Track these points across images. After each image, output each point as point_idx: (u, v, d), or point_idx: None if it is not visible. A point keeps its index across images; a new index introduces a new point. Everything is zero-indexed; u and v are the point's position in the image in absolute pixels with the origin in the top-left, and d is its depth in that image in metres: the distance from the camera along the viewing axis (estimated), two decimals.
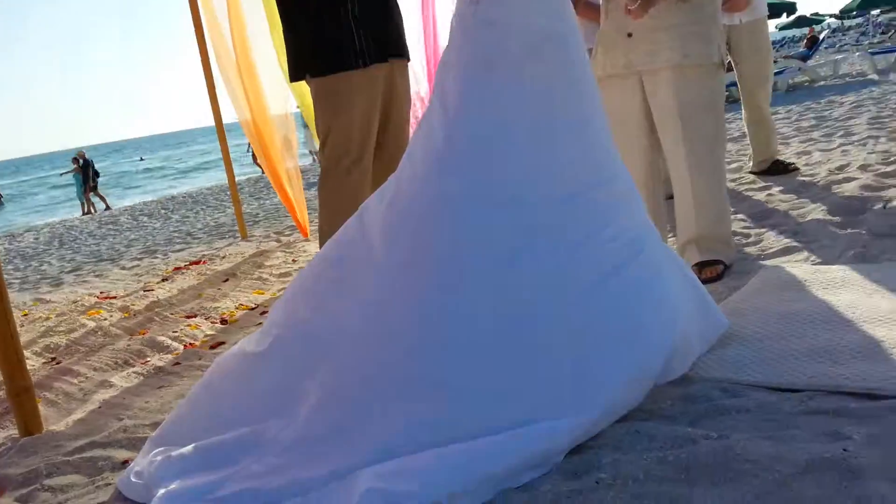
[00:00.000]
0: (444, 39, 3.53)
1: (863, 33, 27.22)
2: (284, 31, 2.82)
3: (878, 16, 30.69)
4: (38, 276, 6.08)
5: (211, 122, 5.50)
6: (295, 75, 2.80)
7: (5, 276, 6.12)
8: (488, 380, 1.49)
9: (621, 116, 2.54)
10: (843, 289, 2.09)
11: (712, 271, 2.47)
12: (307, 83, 2.80)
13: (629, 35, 2.48)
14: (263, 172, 12.38)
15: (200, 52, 5.16)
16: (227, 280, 4.14)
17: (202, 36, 5.07)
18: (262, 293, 3.66)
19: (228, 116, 5.61)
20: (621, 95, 2.57)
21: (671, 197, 3.03)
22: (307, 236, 5.05)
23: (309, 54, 2.72)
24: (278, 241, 5.32)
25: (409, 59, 2.93)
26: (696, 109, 2.43)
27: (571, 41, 1.80)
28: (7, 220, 19.60)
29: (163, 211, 10.39)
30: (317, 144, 3.12)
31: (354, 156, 2.73)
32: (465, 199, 1.67)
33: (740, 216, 3.28)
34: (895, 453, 1.22)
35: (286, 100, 4.78)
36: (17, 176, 59.13)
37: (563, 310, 1.58)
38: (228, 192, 6.74)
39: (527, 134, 1.71)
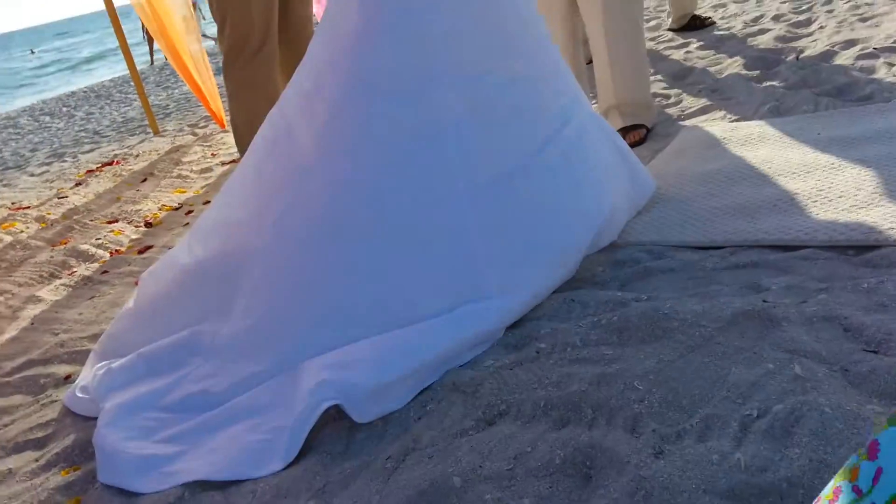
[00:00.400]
0: None
1: None
2: None
3: None
4: None
5: (102, 6, 5.10)
6: None
7: None
8: (419, 267, 1.50)
9: None
10: (759, 144, 2.17)
11: (635, 135, 2.50)
12: None
13: None
14: (167, 60, 11.75)
15: None
16: (145, 180, 3.98)
17: None
18: (184, 191, 3.55)
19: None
20: None
21: (591, 61, 3.01)
22: (224, 127, 4.86)
23: None
24: (194, 134, 5.10)
25: None
26: None
27: None
28: None
29: (65, 109, 9.73)
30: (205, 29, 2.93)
31: (257, 41, 2.57)
32: (386, 78, 1.62)
33: (659, 77, 3.31)
34: (809, 299, 1.32)
35: None
36: None
37: (490, 192, 1.57)
38: (132, 84, 6.34)
39: (446, 4, 1.65)
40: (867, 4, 3.55)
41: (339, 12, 1.73)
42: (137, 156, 4.81)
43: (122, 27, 5.21)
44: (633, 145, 2.46)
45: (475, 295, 1.48)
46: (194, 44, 4.68)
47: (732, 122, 2.47)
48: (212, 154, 4.25)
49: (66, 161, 5.46)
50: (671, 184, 2.04)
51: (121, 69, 14.88)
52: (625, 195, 1.85)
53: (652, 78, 3.23)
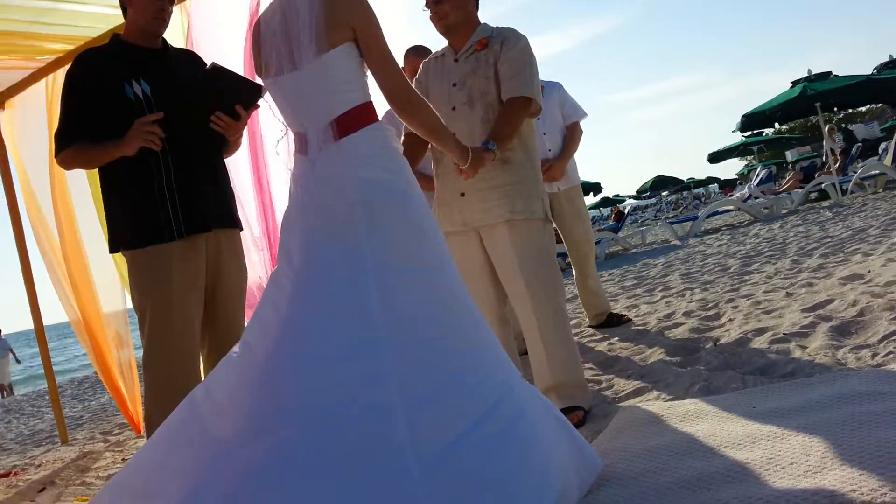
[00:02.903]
0: (279, 205, 3.50)
1: (658, 209, 30.97)
2: (104, 205, 2.62)
3: (668, 195, 35.23)
4: None
5: (20, 326, 5.12)
6: (112, 247, 2.60)
7: None
8: None
9: (465, 271, 2.59)
10: (698, 420, 2.16)
11: (574, 417, 2.47)
12: (123, 256, 2.58)
13: (462, 195, 2.60)
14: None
15: (18, 248, 4.86)
16: (43, 489, 3.59)
17: (21, 236, 4.82)
18: (86, 500, 3.20)
19: (48, 318, 5.25)
20: (462, 251, 2.66)
21: (524, 353, 3.08)
22: (140, 432, 4.58)
23: (121, 226, 2.53)
24: (106, 440, 4.77)
25: (239, 228, 2.74)
26: (533, 260, 2.55)
27: (413, 195, 1.85)
28: None
29: None
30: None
31: (178, 334, 2.48)
32: (317, 352, 1.63)
33: (588, 365, 3.38)
34: None
35: (120, 296, 4.51)
36: None
37: (431, 467, 1.49)
38: (47, 398, 6.06)
39: (377, 282, 1.70)
40: (767, 301, 3.86)
41: (274, 294, 1.78)
42: (39, 465, 4.40)
43: (48, 342, 5.14)
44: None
45: None
46: (124, 352, 4.64)
47: (667, 401, 2.48)
48: (122, 459, 3.93)
49: None
50: (619, 461, 1.96)
51: (39, 384, 14.48)
52: (574, 473, 1.76)
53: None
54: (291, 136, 1.97)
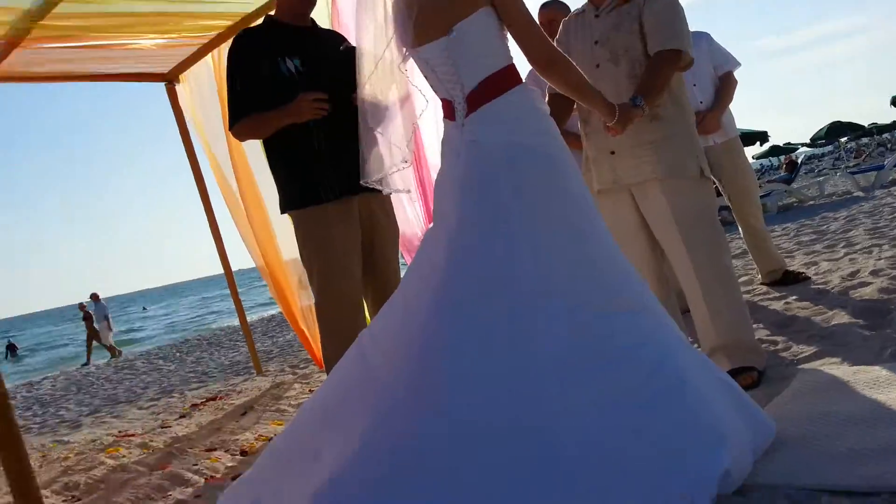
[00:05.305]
0: (432, 161, 3.66)
1: (837, 158, 28.31)
2: (271, 169, 2.89)
3: (847, 142, 32.01)
4: (57, 420, 6.00)
5: (216, 271, 5.60)
6: (282, 208, 2.87)
7: (24, 422, 6.07)
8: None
9: (619, 231, 2.53)
10: (890, 387, 2.05)
11: (747, 378, 2.39)
12: (290, 216, 2.86)
13: (612, 153, 2.57)
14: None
15: (204, 207, 5.31)
16: (245, 413, 4.07)
17: (205, 191, 5.26)
18: (281, 423, 3.59)
19: (235, 264, 5.76)
20: (615, 211, 2.64)
21: (686, 311, 3.00)
22: (322, 367, 5.01)
23: (284, 189, 2.80)
24: (294, 373, 5.28)
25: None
26: (691, 219, 2.48)
27: (558, 157, 1.86)
28: (24, 369, 20.18)
29: (178, 354, 10.37)
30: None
31: (343, 289, 2.73)
32: (469, 325, 1.70)
33: (761, 325, 3.27)
34: None
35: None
36: (31, 328, 60.39)
37: (592, 434, 1.56)
38: (241, 332, 6.77)
39: (526, 246, 1.74)
40: None
41: (428, 253, 1.87)
42: (240, 392, 4.97)
43: (237, 287, 5.65)
44: (746, 388, 2.36)
45: None
46: (306, 299, 5.03)
47: (853, 366, 2.38)
48: (309, 390, 4.35)
49: (173, 397, 5.70)
50: (796, 424, 1.91)
51: (229, 322, 15.94)
52: (747, 438, 1.73)
53: (754, 326, 3.19)
54: (439, 103, 2.02)
